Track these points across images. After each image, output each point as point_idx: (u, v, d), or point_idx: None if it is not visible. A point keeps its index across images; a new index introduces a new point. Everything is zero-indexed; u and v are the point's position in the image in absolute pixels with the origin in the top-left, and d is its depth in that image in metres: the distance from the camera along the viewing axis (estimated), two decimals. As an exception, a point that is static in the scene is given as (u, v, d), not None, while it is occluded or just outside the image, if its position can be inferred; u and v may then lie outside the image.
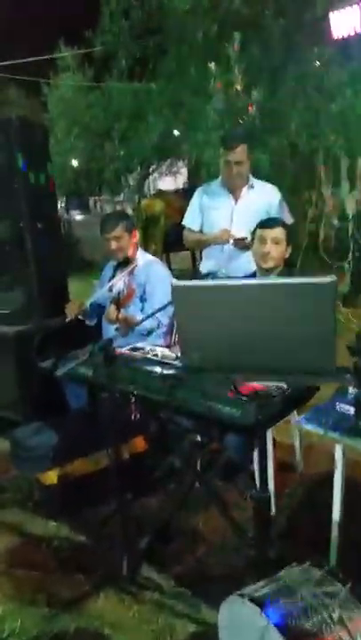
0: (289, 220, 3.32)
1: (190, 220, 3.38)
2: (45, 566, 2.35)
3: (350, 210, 5.45)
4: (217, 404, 1.92)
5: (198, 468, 2.63)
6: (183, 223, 3.43)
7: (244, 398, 1.56)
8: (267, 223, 2.72)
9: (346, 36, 4.13)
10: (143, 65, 6.86)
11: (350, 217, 5.49)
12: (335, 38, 4.22)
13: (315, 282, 1.26)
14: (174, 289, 1.42)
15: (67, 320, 3.04)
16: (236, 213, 3.08)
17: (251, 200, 3.20)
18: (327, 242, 5.48)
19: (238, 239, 3.04)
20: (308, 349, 1.29)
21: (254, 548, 1.90)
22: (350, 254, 5.63)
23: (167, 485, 2.80)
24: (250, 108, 4.72)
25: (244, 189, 3.21)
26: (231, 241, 3.08)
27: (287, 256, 2.68)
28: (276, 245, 2.61)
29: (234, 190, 3.21)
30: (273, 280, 1.43)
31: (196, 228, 3.35)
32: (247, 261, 2.90)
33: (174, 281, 1.46)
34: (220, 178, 3.28)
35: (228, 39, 4.77)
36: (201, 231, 3.32)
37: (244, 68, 4.80)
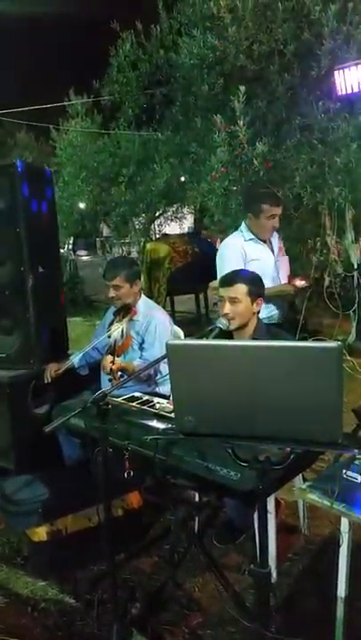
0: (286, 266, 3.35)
1: None
2: (29, 633, 2.20)
3: (355, 259, 5.44)
4: (215, 465, 1.83)
5: (196, 527, 2.51)
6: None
7: (244, 464, 1.46)
8: (225, 280, 2.47)
9: (351, 91, 4.21)
10: (150, 114, 7.04)
11: (355, 266, 5.46)
12: (340, 94, 4.30)
13: (320, 346, 1.19)
14: (169, 348, 1.34)
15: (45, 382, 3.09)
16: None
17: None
18: (332, 290, 5.44)
19: None
20: (311, 416, 1.21)
21: (252, 621, 1.76)
22: (356, 303, 5.58)
23: (162, 546, 2.66)
24: (254, 160, 4.77)
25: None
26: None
27: (257, 310, 2.46)
28: (233, 305, 2.38)
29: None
30: (276, 343, 1.34)
31: None
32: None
33: (169, 340, 1.39)
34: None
35: (233, 92, 4.86)
36: None
37: (249, 120, 4.87)
